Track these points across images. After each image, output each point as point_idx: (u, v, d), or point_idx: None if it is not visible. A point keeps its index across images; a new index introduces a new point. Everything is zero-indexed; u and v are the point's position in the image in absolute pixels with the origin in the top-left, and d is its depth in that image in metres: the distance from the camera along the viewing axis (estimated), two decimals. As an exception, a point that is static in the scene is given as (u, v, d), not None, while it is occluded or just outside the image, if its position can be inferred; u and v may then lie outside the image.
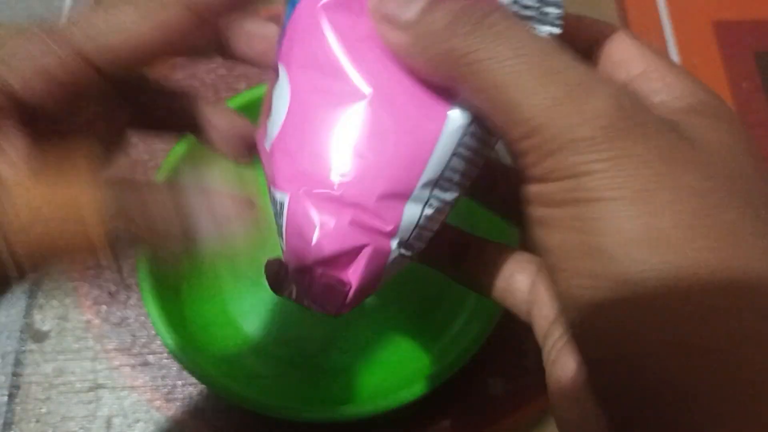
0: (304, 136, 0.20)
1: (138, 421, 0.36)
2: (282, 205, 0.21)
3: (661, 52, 0.22)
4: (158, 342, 0.38)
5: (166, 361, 0.37)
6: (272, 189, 0.21)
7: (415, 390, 0.33)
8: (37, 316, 0.38)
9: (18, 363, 0.37)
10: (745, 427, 0.16)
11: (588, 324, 0.18)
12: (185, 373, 0.36)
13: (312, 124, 0.20)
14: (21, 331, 0.38)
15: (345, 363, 0.37)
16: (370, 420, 0.33)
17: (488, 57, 0.18)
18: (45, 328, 0.38)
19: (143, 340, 0.38)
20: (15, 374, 0.37)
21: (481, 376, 0.37)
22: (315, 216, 0.20)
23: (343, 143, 0.20)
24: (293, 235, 0.21)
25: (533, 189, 0.19)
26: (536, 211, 0.19)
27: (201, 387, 0.34)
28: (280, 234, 0.21)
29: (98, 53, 0.20)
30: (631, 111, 0.17)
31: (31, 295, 0.39)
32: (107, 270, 0.22)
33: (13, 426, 0.35)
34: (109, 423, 0.36)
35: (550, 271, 0.19)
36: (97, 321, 0.38)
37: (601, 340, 0.17)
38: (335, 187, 0.20)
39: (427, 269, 0.26)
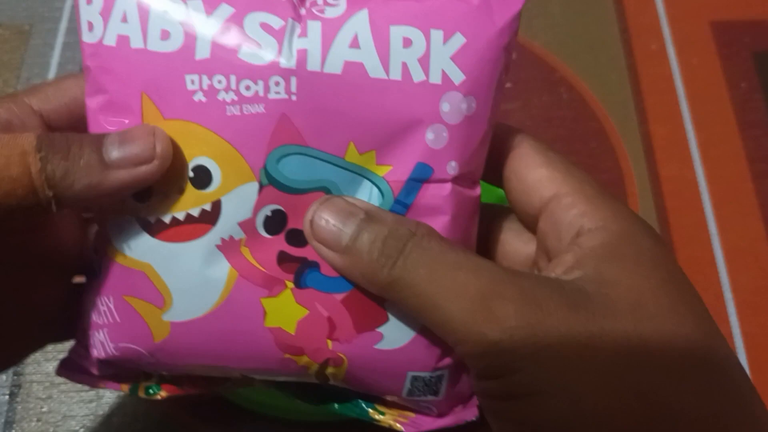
0: None
1: (139, 420, 0.36)
2: None
3: (567, 164, 0.23)
4: (159, 341, 0.38)
5: (166, 360, 0.37)
6: None
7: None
8: (38, 316, 0.38)
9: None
10: None
11: None
12: (186, 373, 0.36)
13: None
14: (22, 331, 0.38)
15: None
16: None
17: (409, 284, 0.20)
18: (46, 327, 0.38)
19: (144, 340, 0.38)
20: (16, 373, 0.37)
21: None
22: None
23: None
24: None
25: (478, 384, 0.21)
26: (485, 403, 0.21)
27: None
28: None
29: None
30: (533, 306, 0.19)
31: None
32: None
33: (15, 425, 0.35)
34: (109, 422, 0.36)
35: None
36: (97, 320, 0.38)
37: None
38: None
39: None
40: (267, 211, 0.22)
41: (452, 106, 0.22)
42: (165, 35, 0.22)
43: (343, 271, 0.22)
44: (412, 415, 0.25)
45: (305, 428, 0.35)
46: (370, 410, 0.26)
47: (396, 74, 0.22)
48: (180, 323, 0.23)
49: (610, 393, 0.18)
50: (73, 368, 0.26)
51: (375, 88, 0.22)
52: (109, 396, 0.36)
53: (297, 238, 0.23)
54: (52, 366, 0.37)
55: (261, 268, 0.23)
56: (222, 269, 0.23)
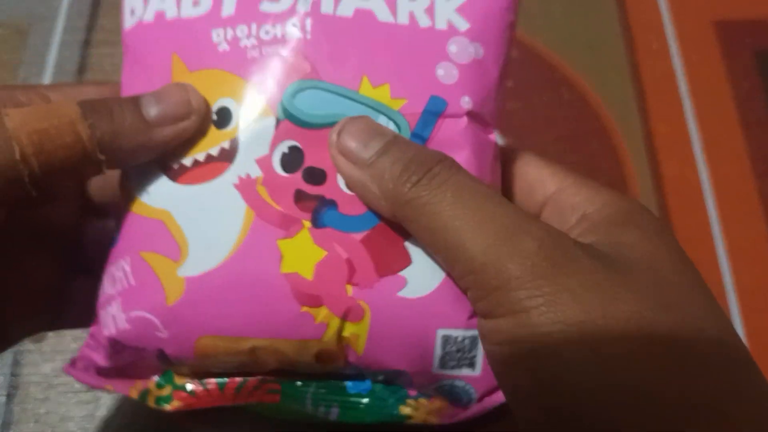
0: None
1: (137, 421, 0.36)
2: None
3: (569, 170, 0.24)
4: (157, 342, 0.38)
5: (165, 361, 0.37)
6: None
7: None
8: (36, 316, 0.38)
9: (16, 363, 0.37)
10: None
11: None
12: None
13: None
14: (20, 331, 0.38)
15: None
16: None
17: (432, 202, 0.20)
18: (44, 328, 0.38)
19: (142, 340, 0.38)
20: (13, 374, 0.36)
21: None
22: None
23: None
24: None
25: (483, 324, 0.20)
26: (489, 347, 0.20)
27: (200, 387, 0.34)
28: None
29: None
30: (557, 248, 0.19)
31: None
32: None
33: (12, 426, 0.35)
34: (108, 423, 0.36)
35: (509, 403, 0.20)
36: (96, 321, 0.38)
37: None
38: None
39: None
40: (284, 147, 0.23)
41: (459, 48, 0.24)
42: (196, 2, 0.24)
43: (360, 186, 0.22)
44: (446, 405, 0.24)
45: (305, 428, 0.35)
46: (401, 405, 0.25)
47: (403, 20, 0.24)
48: (194, 278, 0.23)
49: (631, 354, 0.18)
50: (80, 367, 0.26)
51: (384, 29, 0.23)
52: (107, 397, 0.36)
53: (314, 176, 0.23)
54: (49, 367, 0.37)
55: (277, 207, 0.23)
56: (239, 209, 0.23)
